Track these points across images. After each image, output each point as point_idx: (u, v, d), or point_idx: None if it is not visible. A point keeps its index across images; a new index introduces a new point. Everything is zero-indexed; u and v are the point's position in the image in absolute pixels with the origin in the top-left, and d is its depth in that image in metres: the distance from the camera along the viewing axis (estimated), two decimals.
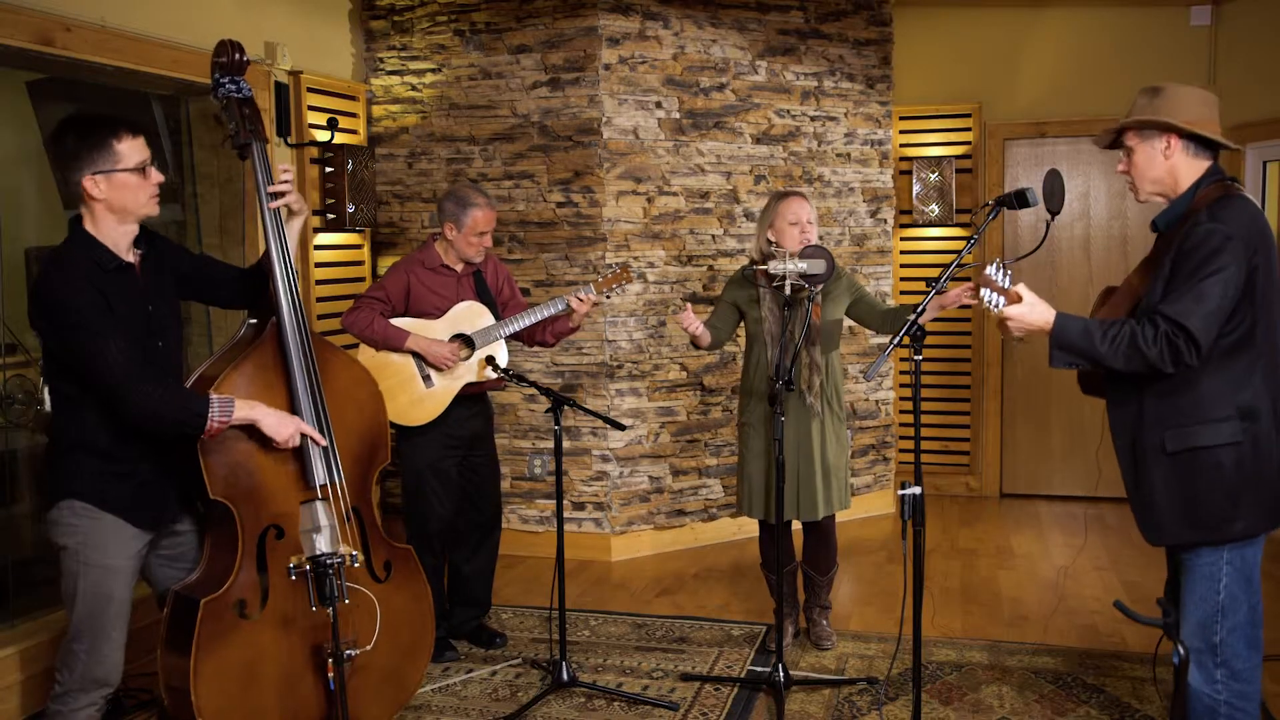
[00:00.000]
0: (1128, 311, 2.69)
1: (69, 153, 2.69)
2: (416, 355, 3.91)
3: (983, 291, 2.66)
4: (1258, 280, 2.55)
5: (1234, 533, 2.59)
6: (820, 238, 4.10)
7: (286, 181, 2.96)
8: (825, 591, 4.19)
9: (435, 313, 3.98)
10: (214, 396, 2.74)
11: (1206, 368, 2.57)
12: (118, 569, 2.77)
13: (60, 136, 2.72)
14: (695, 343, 3.97)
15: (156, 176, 2.77)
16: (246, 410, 2.79)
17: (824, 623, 4.19)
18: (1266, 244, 2.58)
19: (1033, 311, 2.63)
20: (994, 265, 2.66)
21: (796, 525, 4.18)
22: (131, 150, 2.72)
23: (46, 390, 2.89)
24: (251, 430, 2.85)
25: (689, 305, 3.85)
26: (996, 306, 2.64)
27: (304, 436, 2.92)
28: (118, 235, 2.76)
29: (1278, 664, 3.86)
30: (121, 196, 2.71)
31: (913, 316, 2.96)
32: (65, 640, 2.78)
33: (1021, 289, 2.63)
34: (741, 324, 4.10)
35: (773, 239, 3.91)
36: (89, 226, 2.74)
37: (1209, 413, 2.58)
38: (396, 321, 3.92)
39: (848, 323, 5.01)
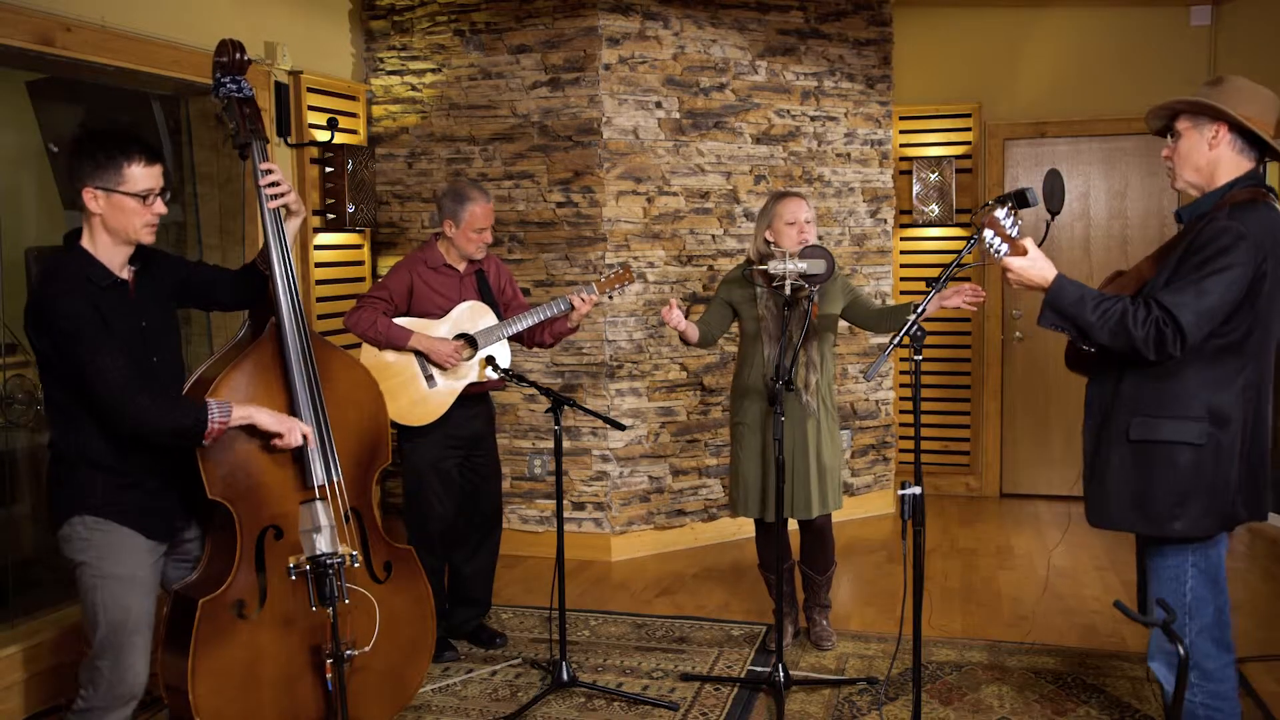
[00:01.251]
0: (1133, 295, 2.67)
1: (79, 159, 2.69)
2: (420, 355, 3.92)
3: (986, 233, 2.59)
4: (1263, 288, 2.53)
5: (1173, 531, 2.59)
6: (820, 238, 4.10)
7: (278, 179, 2.94)
8: (824, 591, 4.19)
9: (438, 312, 3.98)
10: (210, 401, 2.73)
11: (1191, 364, 2.55)
12: (135, 580, 2.76)
13: (79, 141, 2.72)
14: (683, 339, 3.98)
15: (159, 208, 2.75)
16: (244, 411, 2.79)
17: (824, 622, 4.19)
18: (1278, 249, 2.54)
19: (1034, 267, 2.59)
20: (1004, 210, 2.60)
21: (793, 525, 4.18)
22: (141, 176, 2.70)
23: (44, 400, 2.88)
24: (250, 430, 2.84)
25: (674, 302, 3.86)
26: (998, 253, 2.58)
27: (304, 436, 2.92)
28: (113, 253, 2.75)
29: (1278, 664, 3.86)
30: (116, 218, 2.70)
31: (913, 316, 2.95)
32: (88, 658, 2.76)
33: (1028, 242, 2.59)
34: (735, 323, 4.10)
35: (771, 239, 3.91)
36: (86, 242, 2.73)
37: (1180, 409, 2.57)
38: (399, 321, 3.92)
39: (847, 323, 5.01)
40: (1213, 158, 2.62)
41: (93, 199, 2.68)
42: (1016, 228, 2.60)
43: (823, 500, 3.97)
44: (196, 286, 3.05)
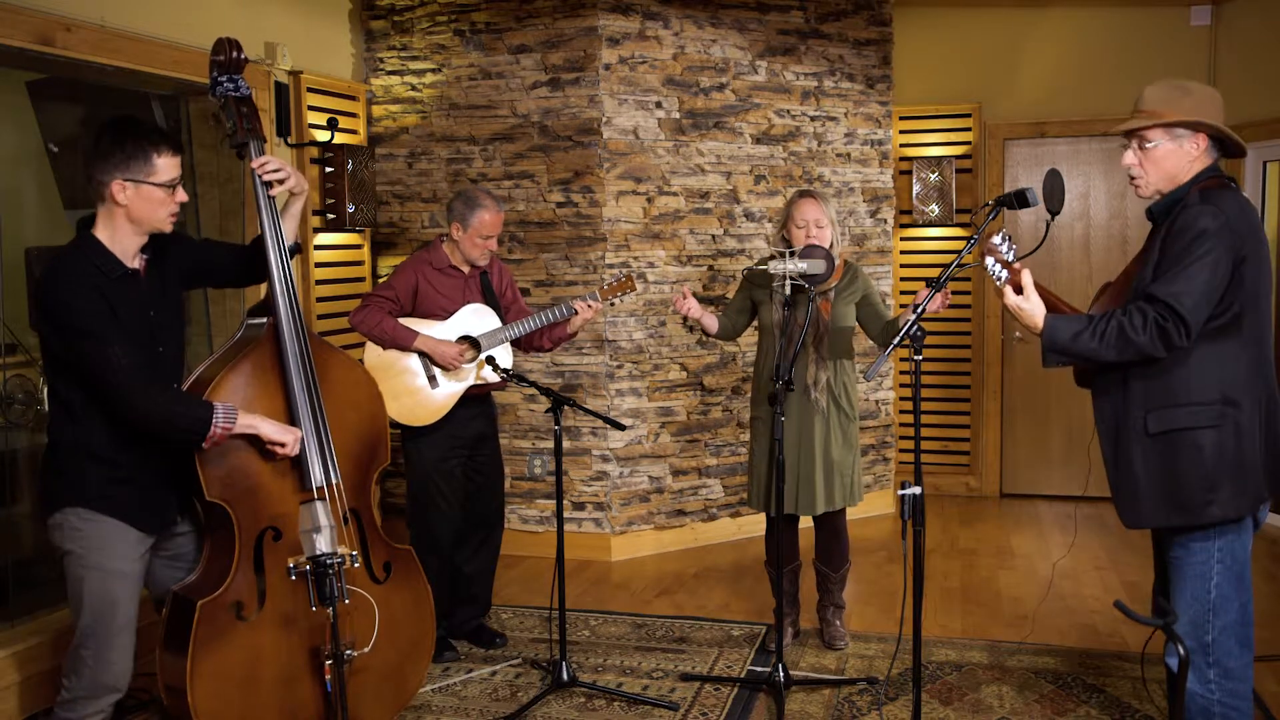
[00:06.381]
0: (1128, 300, 2.70)
1: (105, 152, 2.69)
2: (423, 355, 3.92)
3: (987, 260, 2.67)
4: (1245, 271, 2.57)
5: (1209, 516, 2.61)
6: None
7: (278, 170, 2.92)
8: (838, 590, 4.18)
9: (442, 314, 3.98)
10: (218, 404, 2.74)
11: (1192, 352, 2.59)
12: (122, 573, 2.77)
13: (102, 135, 2.72)
14: (704, 331, 4.03)
15: (181, 196, 2.78)
16: (249, 420, 2.79)
17: (837, 623, 4.19)
18: (1255, 236, 2.60)
19: (1035, 311, 2.67)
20: (1000, 235, 2.67)
21: (806, 524, 4.18)
22: (167, 167, 2.73)
23: (46, 391, 2.88)
24: (251, 437, 2.84)
25: (686, 290, 3.89)
26: (1000, 279, 2.65)
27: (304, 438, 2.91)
28: (128, 243, 2.76)
29: (1278, 664, 3.86)
30: (143, 209, 2.72)
31: (913, 316, 2.96)
32: (72, 646, 2.77)
33: (1025, 277, 2.65)
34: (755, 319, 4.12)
35: (787, 238, 3.94)
36: (100, 232, 2.73)
37: (1192, 396, 2.60)
38: (404, 322, 3.93)
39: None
40: (1188, 164, 2.69)
41: (121, 190, 2.69)
42: (1013, 252, 2.68)
43: (828, 497, 3.97)
44: (204, 267, 3.07)
